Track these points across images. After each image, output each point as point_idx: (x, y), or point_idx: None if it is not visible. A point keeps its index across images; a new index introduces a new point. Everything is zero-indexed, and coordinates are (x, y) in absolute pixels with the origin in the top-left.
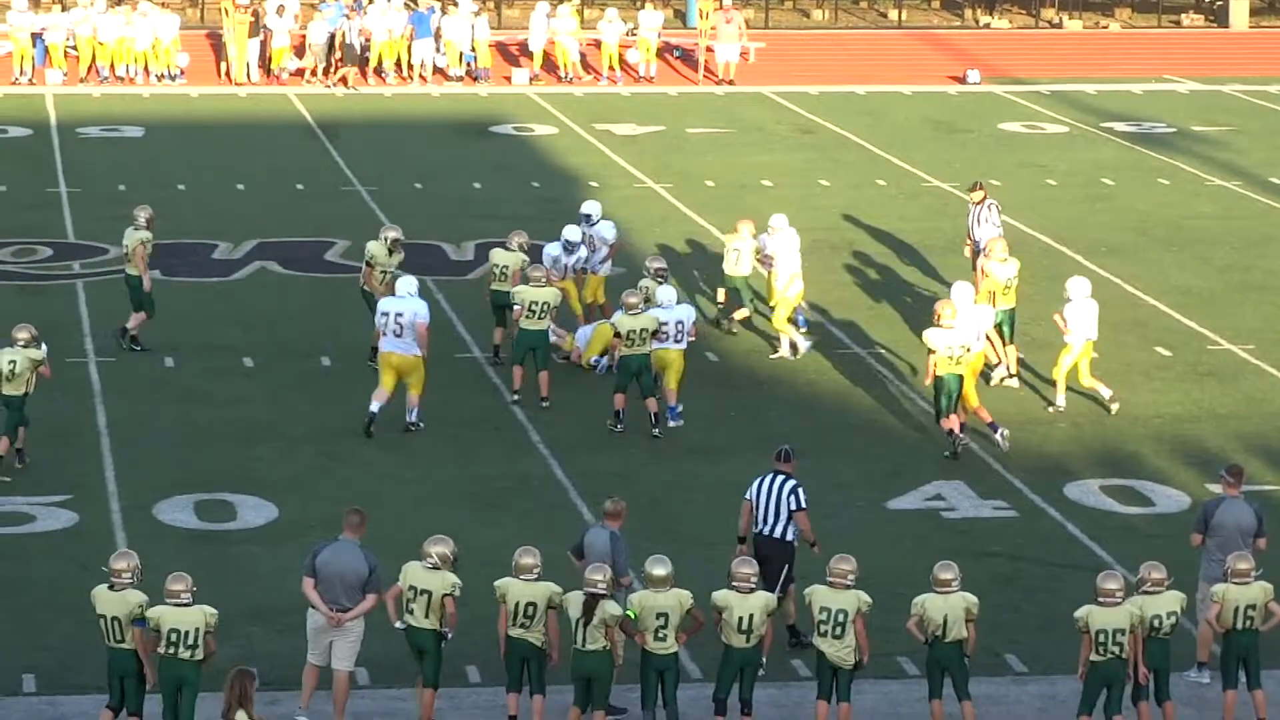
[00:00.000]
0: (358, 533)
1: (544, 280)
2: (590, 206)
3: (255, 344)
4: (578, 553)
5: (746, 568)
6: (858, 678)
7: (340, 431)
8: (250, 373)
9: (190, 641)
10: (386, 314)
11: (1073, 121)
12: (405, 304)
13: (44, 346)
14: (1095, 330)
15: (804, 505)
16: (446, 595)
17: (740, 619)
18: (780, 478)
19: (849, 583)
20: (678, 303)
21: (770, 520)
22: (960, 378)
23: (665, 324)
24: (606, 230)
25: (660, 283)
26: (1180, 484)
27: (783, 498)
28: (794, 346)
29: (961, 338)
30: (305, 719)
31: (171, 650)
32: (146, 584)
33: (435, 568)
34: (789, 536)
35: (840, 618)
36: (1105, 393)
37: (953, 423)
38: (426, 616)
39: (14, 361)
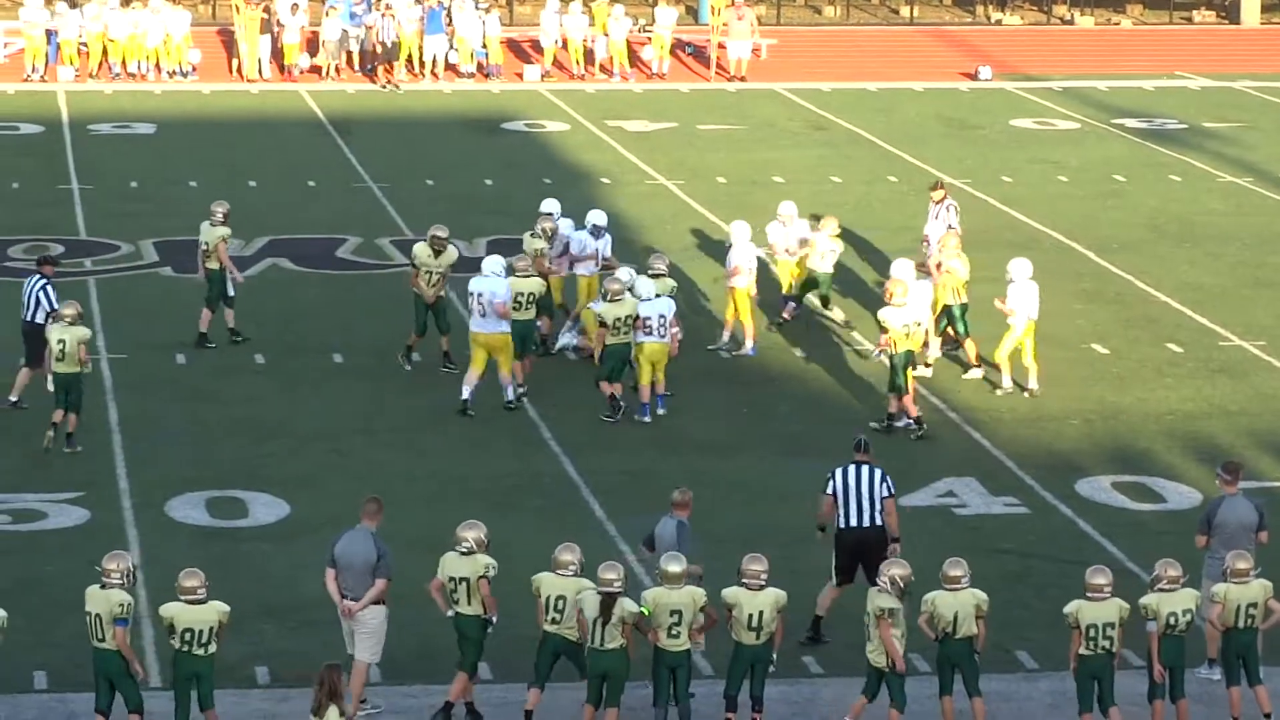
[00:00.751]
0: (374, 520)
1: (529, 271)
2: (550, 205)
3: (266, 341)
4: (649, 544)
5: (756, 564)
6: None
7: (352, 429)
8: (261, 370)
9: (204, 640)
10: (473, 294)
11: (1084, 118)
12: (489, 283)
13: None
14: (1036, 311)
15: (893, 492)
16: (481, 577)
17: (750, 616)
18: (865, 467)
19: (882, 582)
20: (657, 295)
21: (864, 509)
22: (911, 353)
23: (648, 318)
24: (567, 229)
25: (658, 275)
26: (1191, 480)
27: (875, 485)
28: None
29: (914, 314)
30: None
31: (185, 648)
32: (156, 581)
33: (469, 552)
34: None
35: (866, 620)
36: (1033, 383)
37: (909, 401)
38: (469, 603)
39: (63, 340)
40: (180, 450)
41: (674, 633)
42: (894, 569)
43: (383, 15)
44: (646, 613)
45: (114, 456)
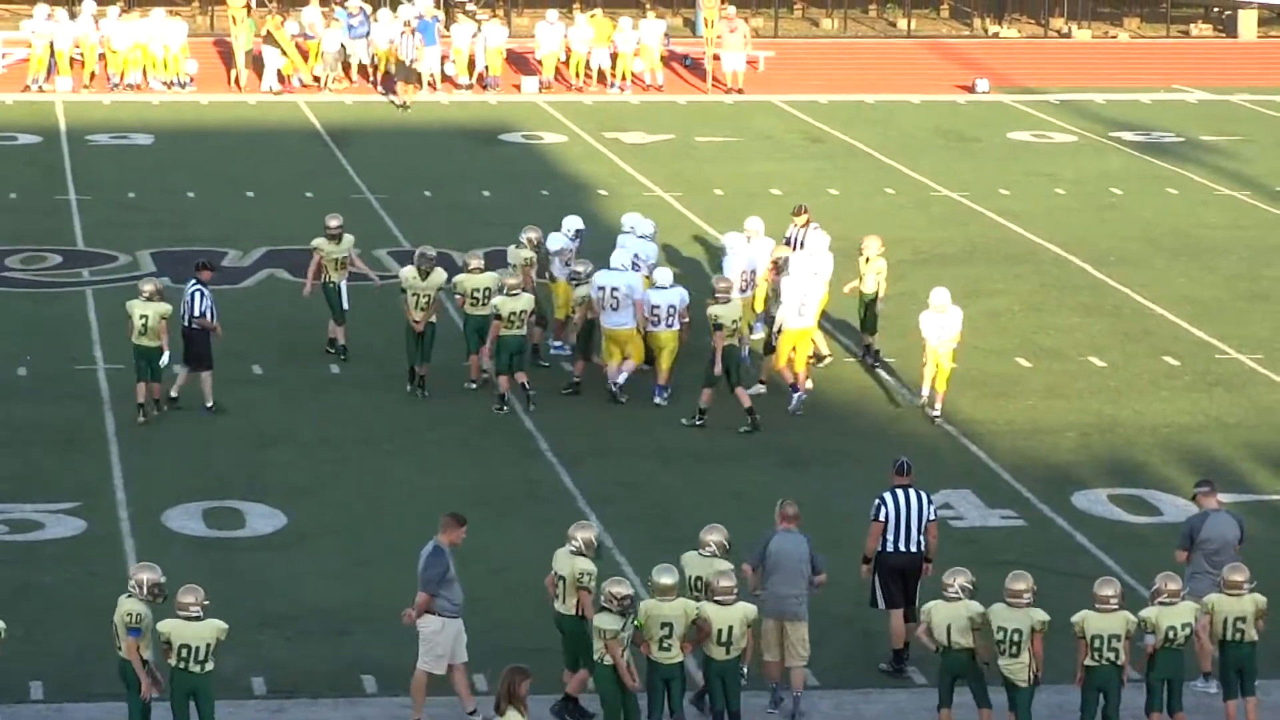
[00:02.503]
0: (444, 535)
1: (482, 268)
2: (573, 221)
3: (264, 351)
4: (758, 561)
5: (727, 581)
6: (869, 686)
7: (349, 439)
8: (259, 380)
9: (200, 656)
10: (603, 288)
11: (1081, 131)
12: (621, 278)
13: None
14: (952, 338)
15: (937, 515)
16: (580, 588)
17: (719, 631)
18: (911, 491)
19: (1027, 601)
20: (672, 286)
21: (912, 534)
22: (736, 347)
23: (657, 306)
24: (564, 241)
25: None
26: (1188, 493)
27: (924, 509)
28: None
29: (737, 310)
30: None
31: (182, 664)
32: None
33: (577, 552)
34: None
35: (1016, 636)
36: (937, 407)
37: (742, 397)
38: (564, 601)
39: (145, 316)
40: (177, 460)
41: (665, 645)
42: (1024, 584)
43: (402, 33)
44: (638, 625)
45: (111, 466)
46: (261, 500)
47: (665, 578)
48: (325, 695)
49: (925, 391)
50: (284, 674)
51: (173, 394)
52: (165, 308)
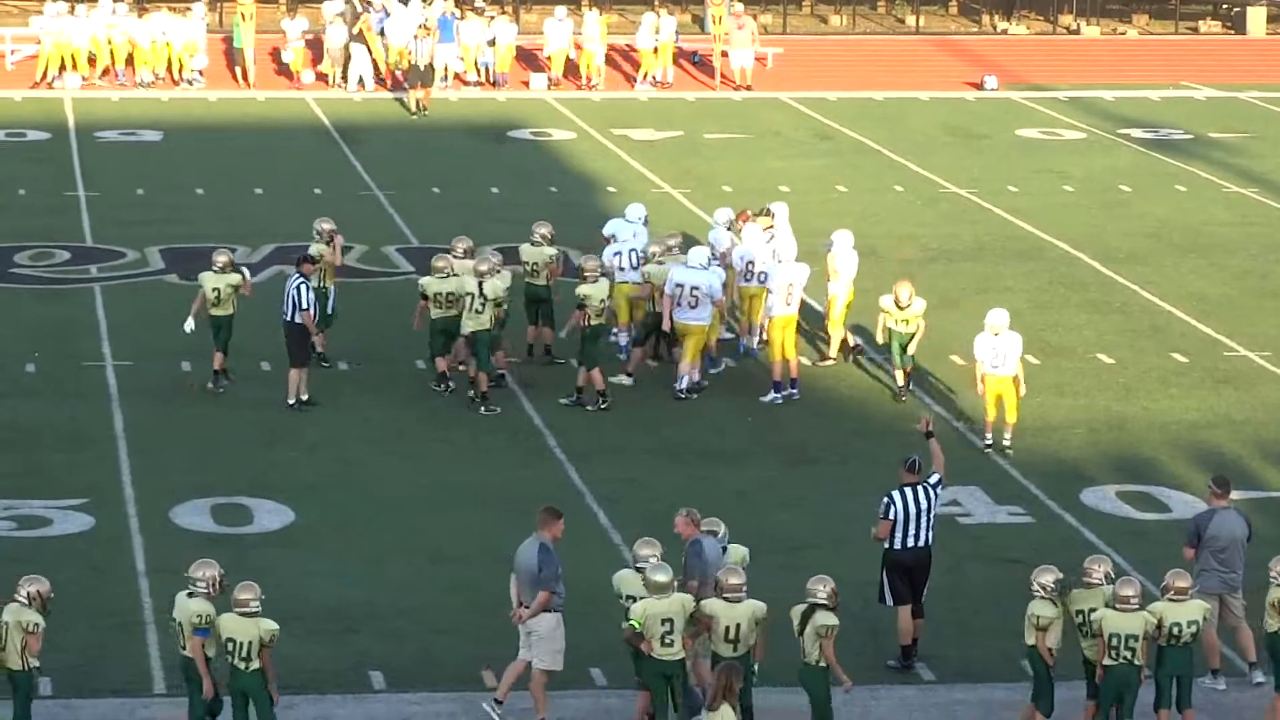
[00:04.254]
0: (546, 530)
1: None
2: (637, 210)
3: (272, 348)
4: (694, 572)
5: (735, 578)
6: (879, 682)
7: (358, 436)
8: (267, 377)
9: (245, 654)
10: (681, 285)
11: (1090, 127)
12: (700, 275)
13: (244, 270)
14: (1014, 365)
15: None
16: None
17: (727, 628)
18: (921, 489)
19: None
20: (707, 268)
21: (921, 531)
22: (603, 327)
23: (696, 286)
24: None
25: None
26: (1196, 490)
27: (933, 506)
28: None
29: (605, 291)
30: (491, 710)
31: (229, 659)
32: (160, 589)
33: (637, 569)
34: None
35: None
36: (1006, 437)
37: (597, 379)
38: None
39: (217, 289)
40: (185, 457)
41: (668, 641)
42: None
43: (417, 37)
44: (636, 625)
45: (119, 463)
46: (269, 497)
47: (660, 575)
48: (333, 691)
49: (990, 436)
50: (293, 670)
51: (290, 400)
52: (236, 279)
